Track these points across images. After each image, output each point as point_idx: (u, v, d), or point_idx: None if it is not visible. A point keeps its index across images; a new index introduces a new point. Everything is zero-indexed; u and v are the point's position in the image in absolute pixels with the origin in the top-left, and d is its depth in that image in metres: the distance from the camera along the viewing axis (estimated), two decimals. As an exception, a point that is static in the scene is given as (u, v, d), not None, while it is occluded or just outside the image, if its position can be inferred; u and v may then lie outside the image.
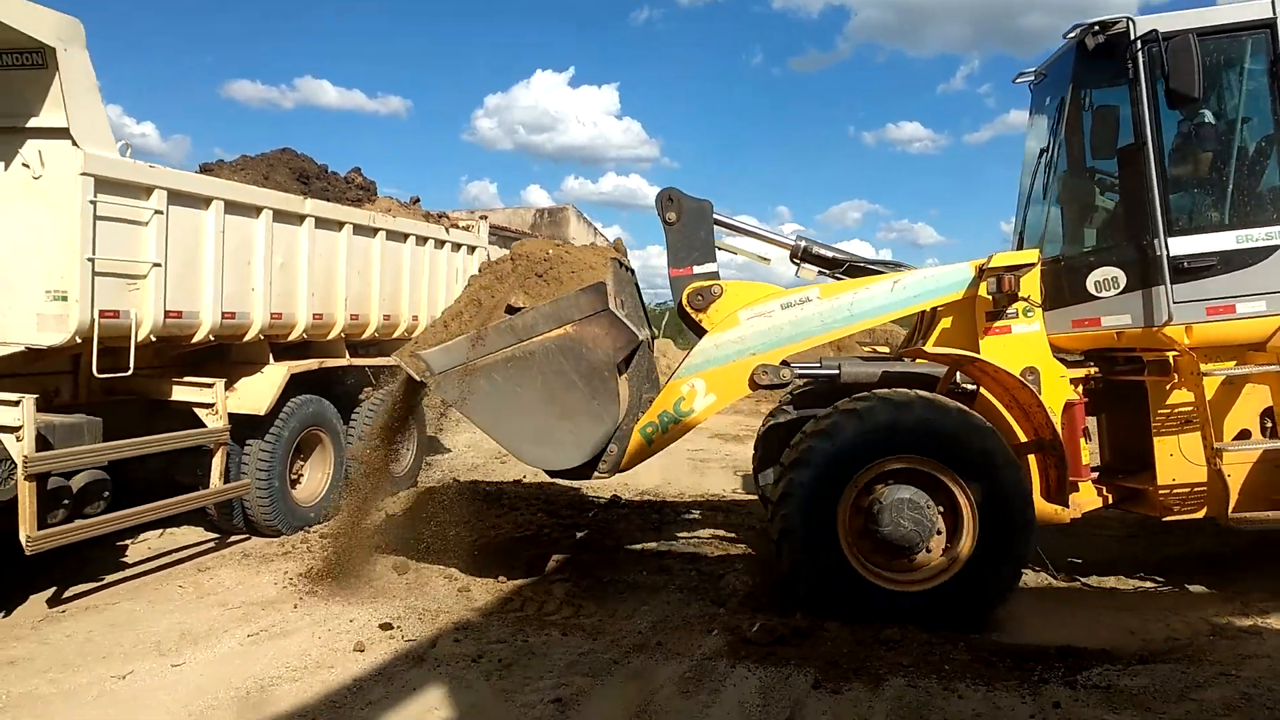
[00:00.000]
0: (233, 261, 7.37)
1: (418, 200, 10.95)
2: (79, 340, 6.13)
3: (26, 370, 6.48)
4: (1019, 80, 7.67)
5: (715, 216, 6.95)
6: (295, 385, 8.09)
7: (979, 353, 6.37)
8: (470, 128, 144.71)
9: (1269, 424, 6.27)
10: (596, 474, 6.34)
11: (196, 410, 7.37)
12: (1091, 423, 6.86)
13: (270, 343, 8.05)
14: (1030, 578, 6.97)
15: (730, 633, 5.70)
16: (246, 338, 7.72)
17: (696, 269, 6.79)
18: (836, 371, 7.03)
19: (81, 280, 6.04)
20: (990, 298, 6.36)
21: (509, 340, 5.79)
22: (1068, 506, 6.25)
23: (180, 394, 7.38)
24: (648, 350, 7.16)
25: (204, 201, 7.09)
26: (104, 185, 6.17)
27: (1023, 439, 6.34)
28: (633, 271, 7.40)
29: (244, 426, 7.67)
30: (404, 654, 5.37)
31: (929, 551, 5.97)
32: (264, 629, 5.78)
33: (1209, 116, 6.50)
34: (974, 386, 6.60)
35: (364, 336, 9.36)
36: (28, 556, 5.73)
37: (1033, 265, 6.43)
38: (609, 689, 4.95)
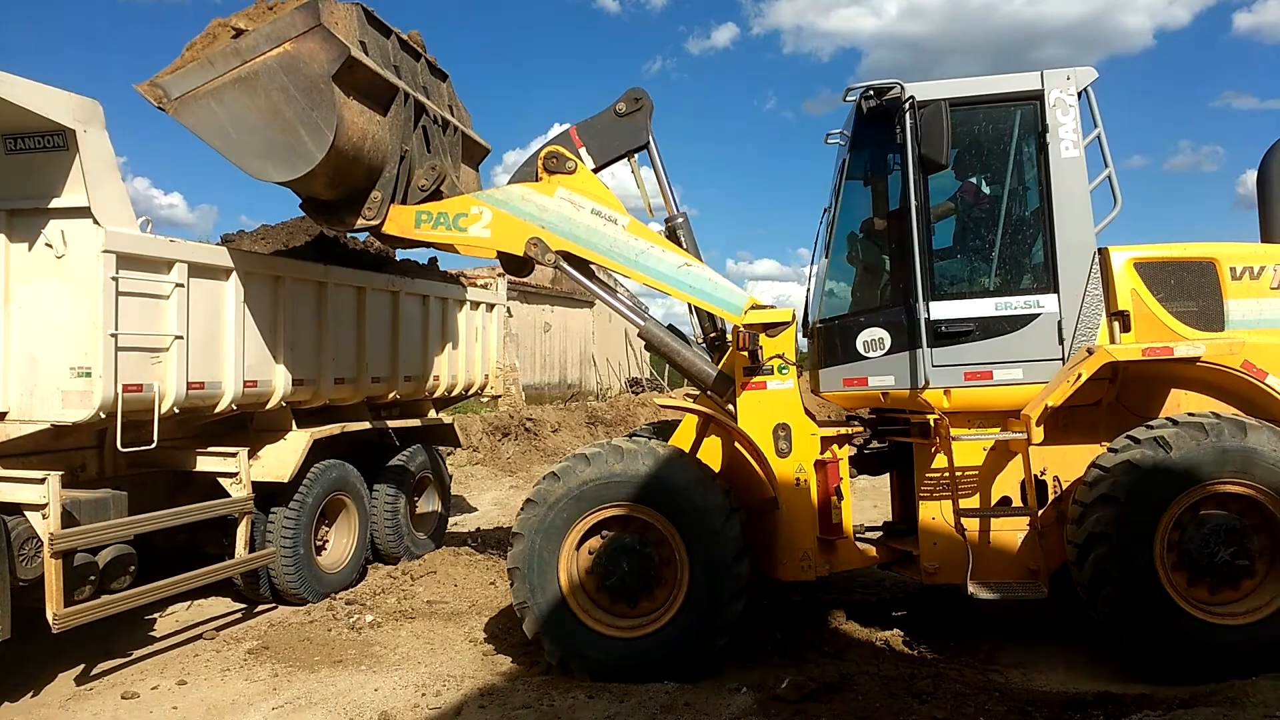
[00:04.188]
0: (254, 330, 7.44)
1: (435, 260, 11.06)
2: (103, 415, 6.17)
3: (52, 447, 6.53)
4: (829, 141, 7.60)
5: (650, 145, 7.11)
6: (318, 451, 8.11)
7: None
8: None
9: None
10: (361, 220, 6.85)
11: (220, 480, 7.40)
12: (864, 481, 7.20)
13: (292, 409, 8.10)
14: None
15: (758, 690, 5.59)
16: (269, 405, 7.76)
17: (585, 154, 7.02)
18: (642, 323, 6.94)
19: (105, 356, 6.10)
20: (745, 353, 6.37)
21: (234, 63, 6.18)
22: (794, 563, 6.29)
23: (204, 464, 7.41)
24: (426, 115, 7.31)
25: (224, 273, 7.18)
26: (125, 261, 6.26)
27: (771, 494, 6.33)
28: (410, 51, 7.55)
29: (268, 495, 7.69)
30: (429, 723, 5.31)
31: (651, 599, 6.03)
32: (289, 701, 5.74)
33: (979, 185, 6.62)
34: None
35: (387, 398, 9.40)
36: (55, 634, 5.74)
37: (787, 324, 6.46)
38: (637, 753, 4.85)
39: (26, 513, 5.77)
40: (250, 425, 8.06)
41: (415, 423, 10.02)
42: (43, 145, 6.13)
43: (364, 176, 6.77)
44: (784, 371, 6.41)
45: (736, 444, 6.43)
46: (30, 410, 6.17)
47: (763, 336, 6.35)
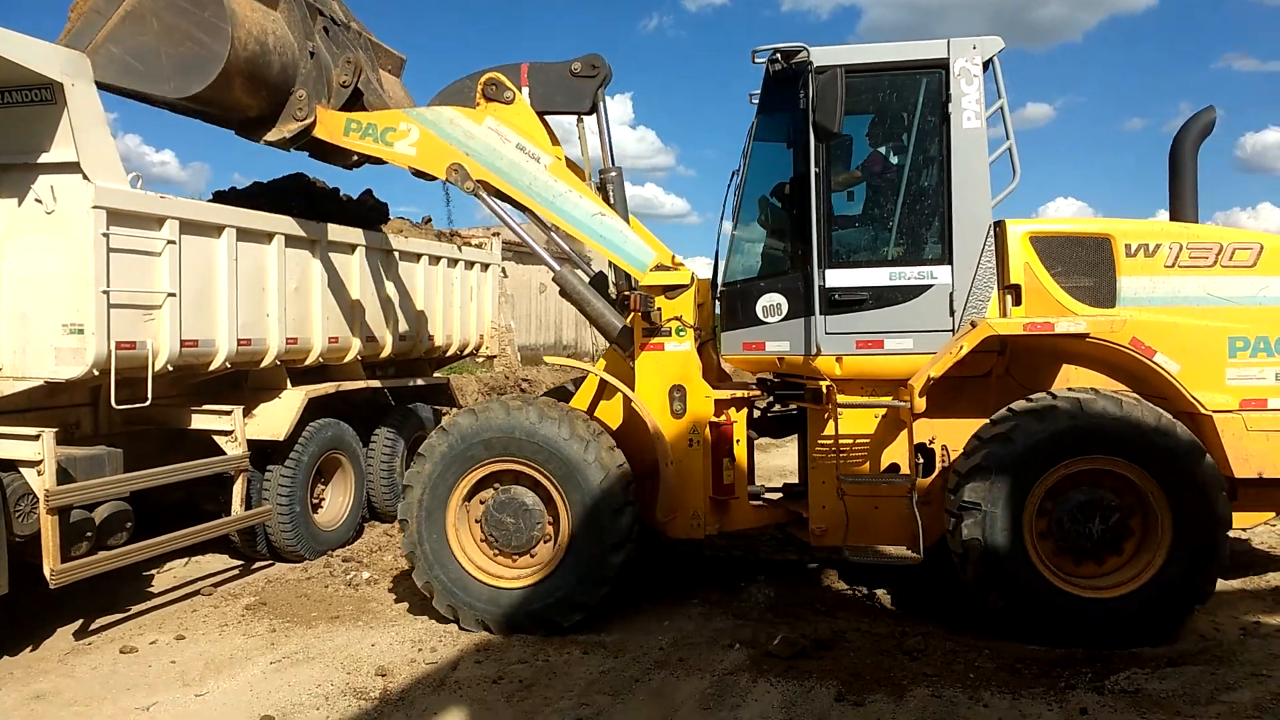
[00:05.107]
0: (247, 288, 7.40)
1: (429, 220, 11.01)
2: (96, 372, 6.16)
3: (46, 404, 6.54)
4: (752, 101, 7.29)
5: (598, 111, 7.15)
6: (313, 409, 8.11)
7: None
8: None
9: (920, 460, 6.22)
10: (294, 121, 7.11)
11: (216, 438, 7.40)
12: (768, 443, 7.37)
13: (287, 367, 8.08)
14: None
15: (751, 647, 5.67)
16: (263, 364, 7.75)
17: (529, 92, 7.08)
18: (558, 267, 6.93)
19: (97, 313, 6.07)
20: (641, 314, 6.38)
21: (117, 3, 6.45)
22: (685, 521, 6.44)
23: (199, 422, 7.42)
24: (322, 15, 7.49)
25: (216, 230, 7.12)
26: (116, 217, 6.19)
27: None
28: None
29: (264, 452, 7.69)
30: (425, 678, 5.37)
31: (536, 551, 6.22)
32: (286, 656, 5.79)
33: (886, 154, 6.55)
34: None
35: (381, 357, 9.38)
36: (53, 590, 5.77)
37: (685, 287, 6.51)
38: (629, 707, 4.93)
39: (21, 469, 5.76)
40: (245, 383, 8.06)
41: (410, 382, 10.03)
42: (30, 99, 6.04)
43: (280, 75, 7.02)
44: (682, 334, 6.48)
45: (632, 404, 6.52)
46: (23, 367, 6.15)
47: (661, 299, 6.43)
